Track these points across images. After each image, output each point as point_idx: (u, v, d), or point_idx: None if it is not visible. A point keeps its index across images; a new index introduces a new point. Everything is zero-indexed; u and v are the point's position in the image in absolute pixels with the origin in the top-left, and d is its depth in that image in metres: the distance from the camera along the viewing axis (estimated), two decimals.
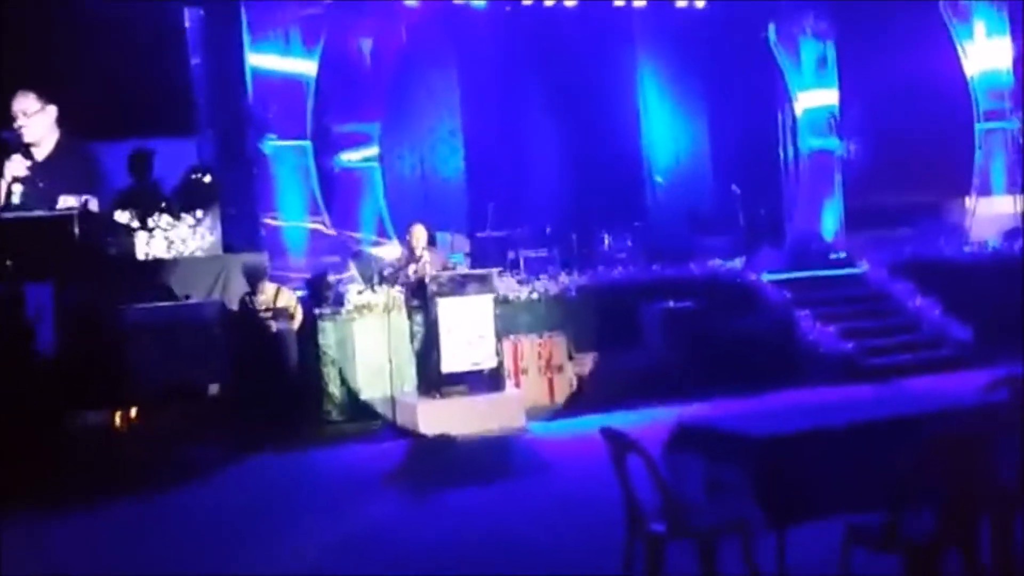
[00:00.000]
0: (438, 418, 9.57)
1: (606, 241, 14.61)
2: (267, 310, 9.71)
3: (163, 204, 9.50)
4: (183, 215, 9.47)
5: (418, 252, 10.94)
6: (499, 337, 10.17)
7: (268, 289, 9.95)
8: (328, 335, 10.34)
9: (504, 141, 15.38)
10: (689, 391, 10.67)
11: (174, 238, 9.39)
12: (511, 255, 13.82)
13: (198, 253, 9.68)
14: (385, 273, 10.92)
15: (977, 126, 15.55)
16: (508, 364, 10.72)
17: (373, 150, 13.64)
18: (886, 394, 8.30)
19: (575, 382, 11.07)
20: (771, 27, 15.38)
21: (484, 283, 10.01)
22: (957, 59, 15.47)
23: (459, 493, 7.85)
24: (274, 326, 9.96)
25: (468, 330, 9.79)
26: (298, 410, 9.91)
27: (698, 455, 4.76)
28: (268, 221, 11.56)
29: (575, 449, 9.06)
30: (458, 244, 14.36)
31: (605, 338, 11.40)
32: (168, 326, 9.20)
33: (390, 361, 10.02)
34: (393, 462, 9.07)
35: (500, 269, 11.54)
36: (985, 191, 15.49)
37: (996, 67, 15.47)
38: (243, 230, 11.12)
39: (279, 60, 12.00)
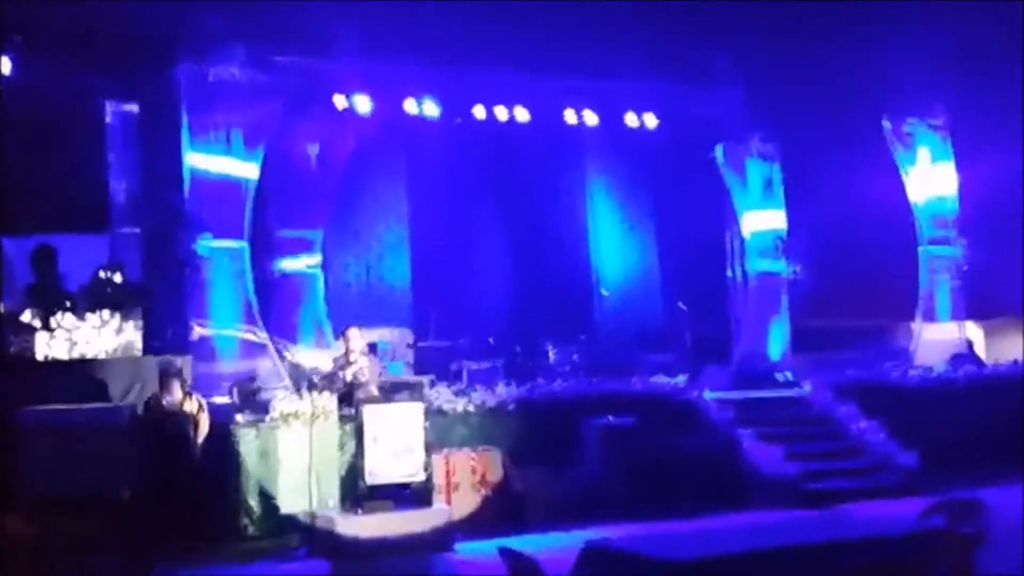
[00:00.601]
0: (359, 535, 8.99)
1: (550, 354, 14.29)
2: (172, 415, 9.14)
3: (67, 303, 8.97)
4: (88, 315, 8.95)
5: (353, 357, 10.55)
6: (429, 450, 9.68)
7: (176, 393, 9.38)
8: (248, 443, 9.77)
9: (451, 251, 15.18)
10: (626, 511, 10.24)
11: (78, 339, 8.84)
12: (454, 366, 13.50)
13: (104, 355, 9.13)
14: (316, 378, 10.46)
15: (921, 251, 15.54)
16: (439, 479, 10.23)
17: (315, 257, 13.33)
18: (822, 519, 7.84)
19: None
20: (719, 148, 15.38)
21: (415, 392, 9.57)
22: (902, 184, 15.54)
23: None
24: (185, 433, 9.40)
25: (395, 441, 9.30)
26: (211, 523, 9.27)
27: None
28: (197, 326, 11.04)
29: (502, 570, 8.52)
30: (400, 354, 14.00)
31: (542, 453, 10.94)
32: (72, 430, 8.66)
33: (312, 472, 9.49)
34: None
35: (433, 378, 11.15)
36: (930, 316, 15.38)
37: (940, 193, 15.54)
38: (169, 332, 10.64)
39: (218, 160, 11.69)
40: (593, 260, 15.94)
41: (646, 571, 4.17)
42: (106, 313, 9.09)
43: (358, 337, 10.71)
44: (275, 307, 12.60)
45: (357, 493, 9.27)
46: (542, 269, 15.32)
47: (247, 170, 11.96)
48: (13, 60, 9.69)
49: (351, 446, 9.47)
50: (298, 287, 13.05)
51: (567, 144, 15.52)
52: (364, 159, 14.29)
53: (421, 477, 9.44)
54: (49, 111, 9.77)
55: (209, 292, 11.33)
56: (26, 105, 9.61)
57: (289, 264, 13.01)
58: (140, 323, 9.69)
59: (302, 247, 13.21)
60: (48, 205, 9.60)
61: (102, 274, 9.76)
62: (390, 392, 9.48)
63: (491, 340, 14.11)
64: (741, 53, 14.41)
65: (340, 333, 11.06)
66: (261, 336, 11.51)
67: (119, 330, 9.28)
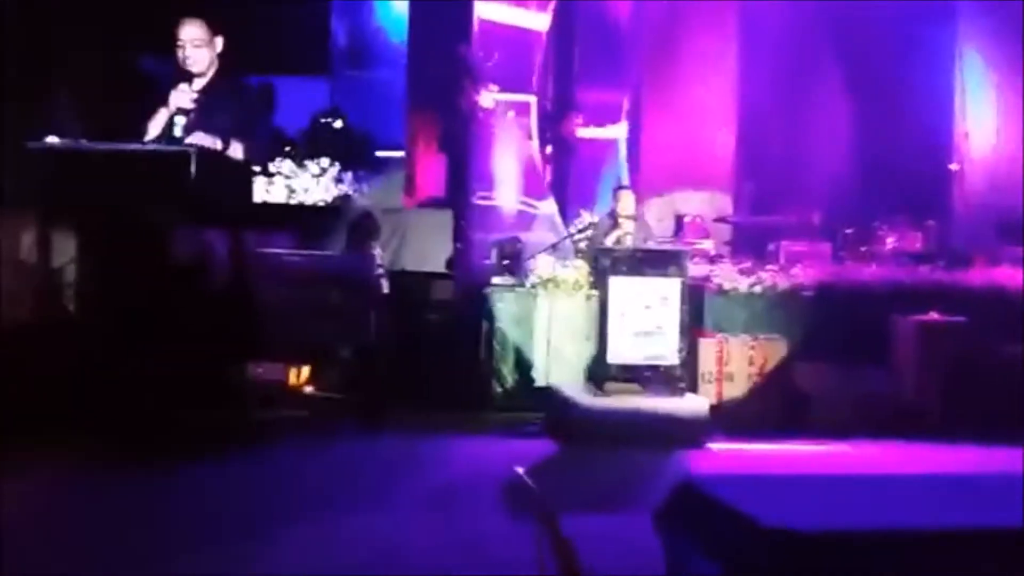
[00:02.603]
0: (598, 418, 7.86)
1: (888, 240, 12.08)
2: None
3: (286, 148, 8.39)
4: (307, 162, 8.33)
5: (620, 220, 9.36)
6: (687, 330, 8.28)
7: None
8: (500, 309, 8.91)
9: (783, 116, 13.21)
10: (933, 427, 8.35)
11: (296, 186, 8.25)
12: (771, 245, 11.81)
13: (324, 203, 8.50)
14: (580, 242, 9.34)
15: None
16: (711, 366, 8.82)
17: (620, 120, 12.09)
18: None
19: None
20: None
21: (675, 264, 8.15)
22: None
23: (600, 515, 6.03)
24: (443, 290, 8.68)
25: (645, 318, 8.01)
26: (446, 386, 8.55)
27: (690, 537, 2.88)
28: (473, 187, 10.13)
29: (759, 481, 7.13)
30: (714, 230, 12.48)
31: (840, 349, 9.12)
32: (323, 277, 8.19)
33: (558, 344, 8.49)
34: (533, 462, 7.46)
35: (713, 252, 9.65)
36: None
37: None
38: (432, 186, 9.93)
39: (507, 7, 10.63)
40: (954, 137, 13.21)
41: (734, 532, 2.69)
42: (325, 161, 8.44)
43: (629, 199, 9.47)
44: (568, 171, 11.59)
45: (601, 372, 8.11)
46: (889, 143, 12.93)
47: (539, 21, 10.83)
48: None
49: (596, 319, 8.29)
50: (598, 152, 11.92)
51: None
52: (686, 12, 12.71)
53: (671, 360, 8.08)
54: None
55: (490, 148, 10.45)
56: None
57: (588, 126, 11.87)
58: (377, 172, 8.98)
59: (605, 108, 12.03)
60: (270, 44, 9.02)
61: (320, 120, 9.11)
62: (647, 262, 8.11)
63: (816, 219, 12.17)
64: None
65: (612, 193, 9.86)
66: (540, 206, 10.50)
67: (330, 180, 8.60)
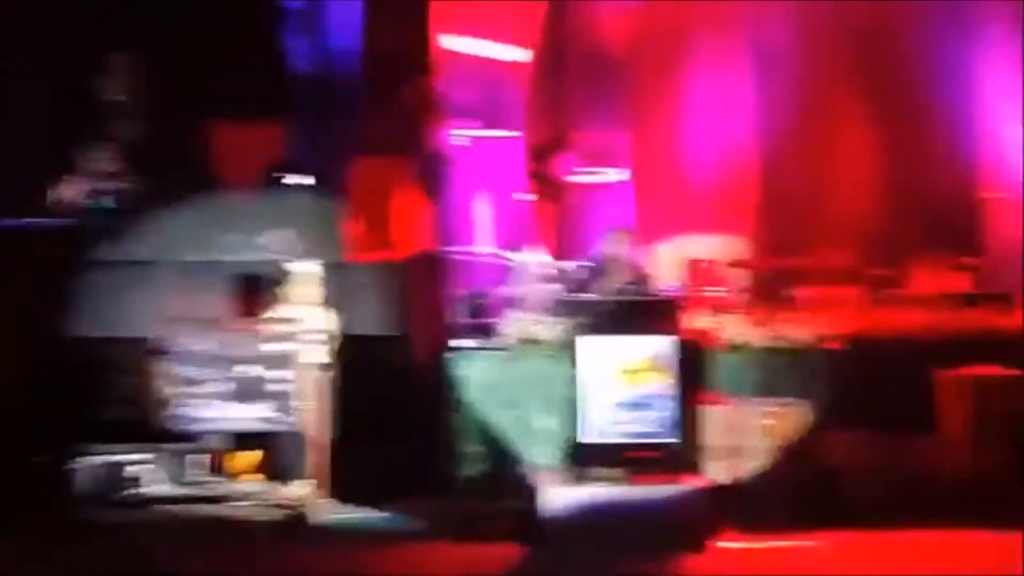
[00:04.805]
0: (574, 516, 5.96)
1: (922, 280, 10.12)
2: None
3: None
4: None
5: (613, 267, 7.62)
6: (684, 399, 6.40)
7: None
8: (471, 376, 7.06)
9: (805, 152, 11.37)
10: (999, 508, 6.37)
11: None
12: (786, 291, 9.93)
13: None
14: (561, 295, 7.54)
15: None
16: (717, 440, 6.90)
17: (618, 159, 10.35)
18: None
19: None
20: None
21: (661, 316, 6.29)
22: None
23: None
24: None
25: (627, 384, 6.14)
26: (405, 473, 6.75)
27: None
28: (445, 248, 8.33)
29: None
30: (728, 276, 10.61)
31: (875, 413, 7.18)
32: None
33: (521, 419, 6.64)
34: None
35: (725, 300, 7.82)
36: None
37: None
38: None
39: (479, 42, 8.96)
40: (984, 161, 11.21)
41: None
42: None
43: (619, 244, 7.69)
44: (560, 218, 9.83)
45: (576, 454, 6.23)
46: (922, 173, 10.99)
47: (517, 53, 9.14)
48: None
49: (572, 389, 6.43)
50: (593, 195, 10.15)
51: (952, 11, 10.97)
52: (695, 40, 10.98)
53: (664, 437, 6.20)
54: None
55: (458, 192, 8.71)
56: None
57: (582, 166, 10.12)
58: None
59: (602, 146, 10.29)
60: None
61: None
62: (626, 316, 6.26)
63: (843, 261, 10.25)
64: None
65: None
66: (520, 256, 8.68)
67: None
